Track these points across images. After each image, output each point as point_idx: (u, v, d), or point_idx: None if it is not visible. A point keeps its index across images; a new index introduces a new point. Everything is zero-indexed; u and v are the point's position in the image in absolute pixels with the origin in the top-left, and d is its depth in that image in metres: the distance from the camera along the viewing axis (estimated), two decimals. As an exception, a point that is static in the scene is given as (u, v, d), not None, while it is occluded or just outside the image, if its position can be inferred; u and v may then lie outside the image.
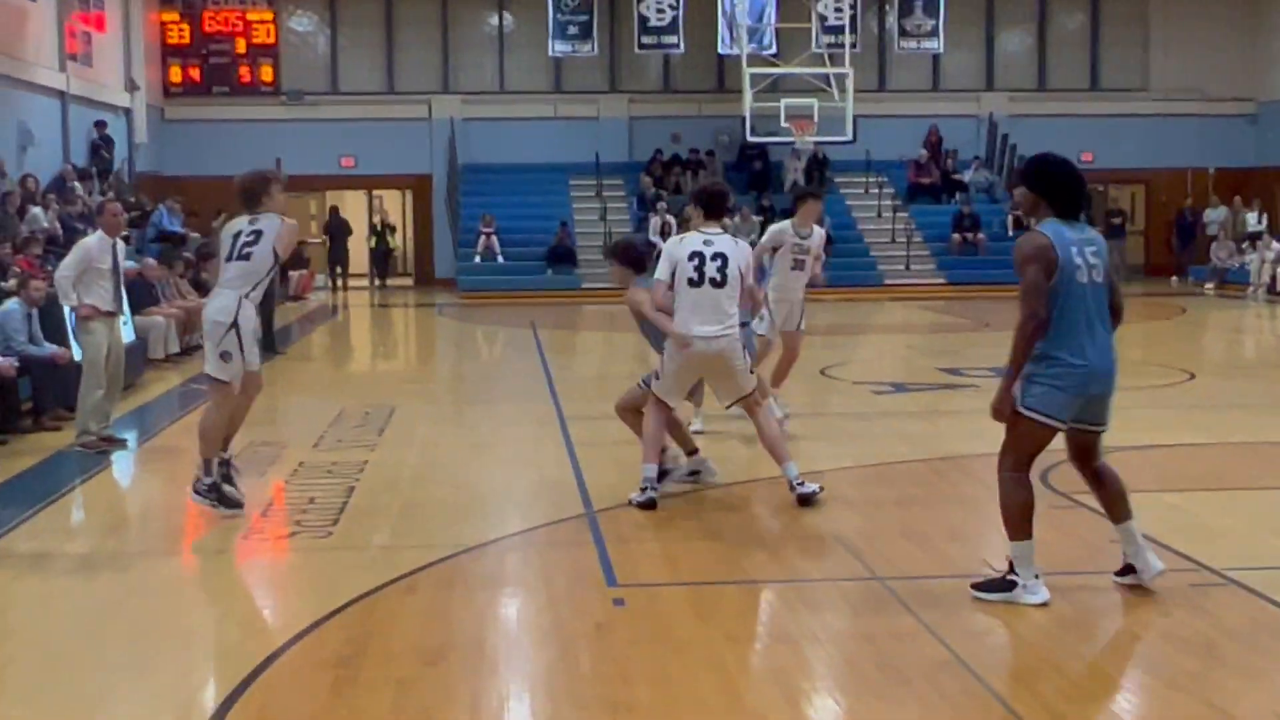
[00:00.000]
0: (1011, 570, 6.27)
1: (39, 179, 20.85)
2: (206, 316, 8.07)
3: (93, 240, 10.64)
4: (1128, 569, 6.45)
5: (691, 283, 8.08)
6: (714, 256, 8.12)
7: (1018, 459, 6.19)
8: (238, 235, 8.00)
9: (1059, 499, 8.41)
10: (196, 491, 8.01)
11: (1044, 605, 6.17)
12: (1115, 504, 6.40)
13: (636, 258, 8.73)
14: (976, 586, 6.34)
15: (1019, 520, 6.20)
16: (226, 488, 8.10)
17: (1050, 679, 5.38)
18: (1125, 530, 6.42)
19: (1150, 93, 32.77)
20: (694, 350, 8.09)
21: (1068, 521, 7.87)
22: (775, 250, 10.95)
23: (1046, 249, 6.02)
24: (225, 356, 7.85)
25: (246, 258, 7.93)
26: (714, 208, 8.45)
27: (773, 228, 11.25)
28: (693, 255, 8.14)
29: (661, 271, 8.16)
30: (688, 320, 8.06)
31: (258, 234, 7.93)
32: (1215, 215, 30.60)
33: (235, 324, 7.86)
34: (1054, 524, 7.70)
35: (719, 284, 8.14)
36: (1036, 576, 6.22)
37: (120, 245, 10.78)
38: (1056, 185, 6.20)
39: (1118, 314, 6.32)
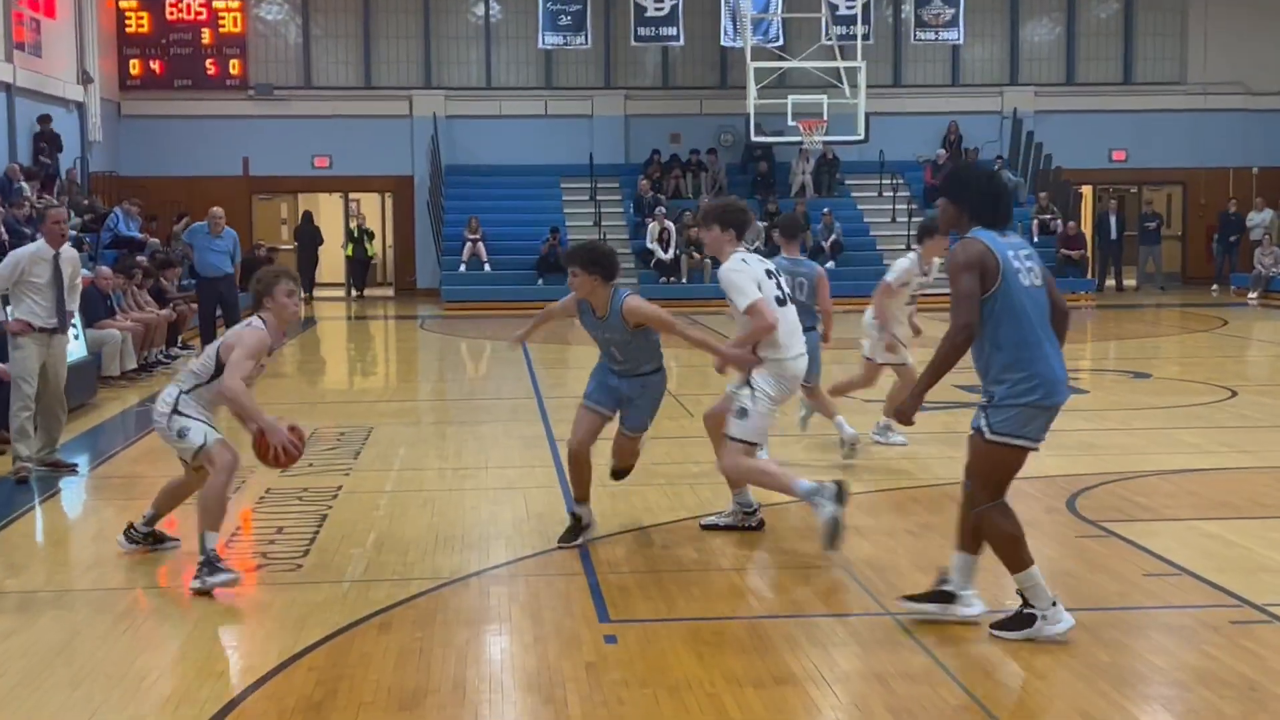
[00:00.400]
0: (1026, 604, 6.24)
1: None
2: (153, 419, 7.84)
3: (26, 251, 10.56)
4: (936, 596, 6.51)
5: (779, 301, 7.97)
6: (777, 272, 8.22)
7: (993, 489, 6.20)
8: None
9: (1088, 527, 8.41)
10: (199, 576, 7.32)
11: (1068, 631, 6.16)
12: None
13: (611, 265, 8.08)
14: (996, 626, 6.31)
15: (1014, 551, 6.21)
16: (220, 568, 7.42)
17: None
18: (970, 561, 6.45)
19: (1188, 86, 32.84)
20: (800, 368, 8.05)
21: (1098, 552, 7.85)
22: (900, 289, 10.99)
23: (985, 254, 6.09)
24: (182, 433, 7.52)
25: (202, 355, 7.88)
26: (746, 230, 8.43)
27: (903, 264, 11.07)
28: (769, 274, 8.07)
29: (751, 290, 7.80)
30: (789, 341, 7.93)
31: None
32: (1259, 218, 30.63)
33: (175, 410, 7.54)
34: (1083, 555, 7.69)
35: (794, 300, 8.42)
36: (1055, 603, 6.20)
37: (69, 255, 10.65)
38: (980, 197, 6.25)
39: (1064, 316, 6.42)
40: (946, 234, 6.48)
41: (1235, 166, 32.47)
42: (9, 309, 10.30)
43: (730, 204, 8.42)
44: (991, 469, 6.18)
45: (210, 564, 7.29)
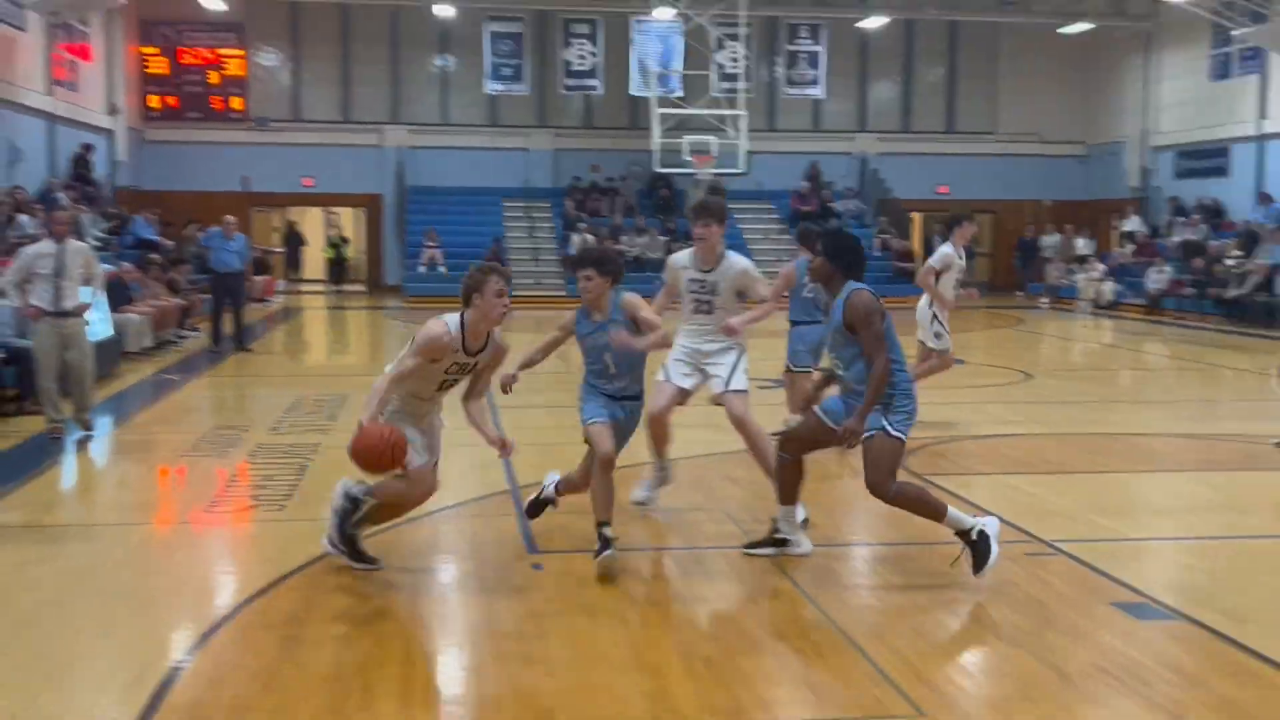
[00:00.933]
0: (965, 534, 6.07)
1: (27, 191, 20.31)
2: None
3: (33, 247, 10.22)
4: (771, 542, 6.52)
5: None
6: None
7: (893, 474, 6.08)
8: None
9: (908, 477, 8.44)
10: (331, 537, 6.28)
11: (998, 524, 6.13)
12: (798, 488, 6.42)
13: (621, 268, 6.63)
14: (975, 569, 5.98)
15: (929, 505, 6.11)
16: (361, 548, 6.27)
17: (907, 636, 5.36)
18: (794, 511, 6.48)
19: (998, 135, 33.26)
20: None
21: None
22: (943, 272, 10.58)
23: (876, 299, 6.09)
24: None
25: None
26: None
27: (943, 250, 10.61)
28: None
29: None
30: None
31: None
32: (1050, 240, 31.15)
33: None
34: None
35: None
36: (976, 515, 6.18)
37: (77, 248, 10.17)
38: (853, 258, 6.19)
39: None
40: (818, 282, 6.32)
41: (1032, 199, 32.92)
42: (19, 297, 9.97)
43: (721, 202, 7.58)
44: (893, 460, 6.05)
45: (349, 539, 6.15)
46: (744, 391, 7.26)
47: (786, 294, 9.74)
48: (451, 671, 5.09)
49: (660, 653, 5.18)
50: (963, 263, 10.76)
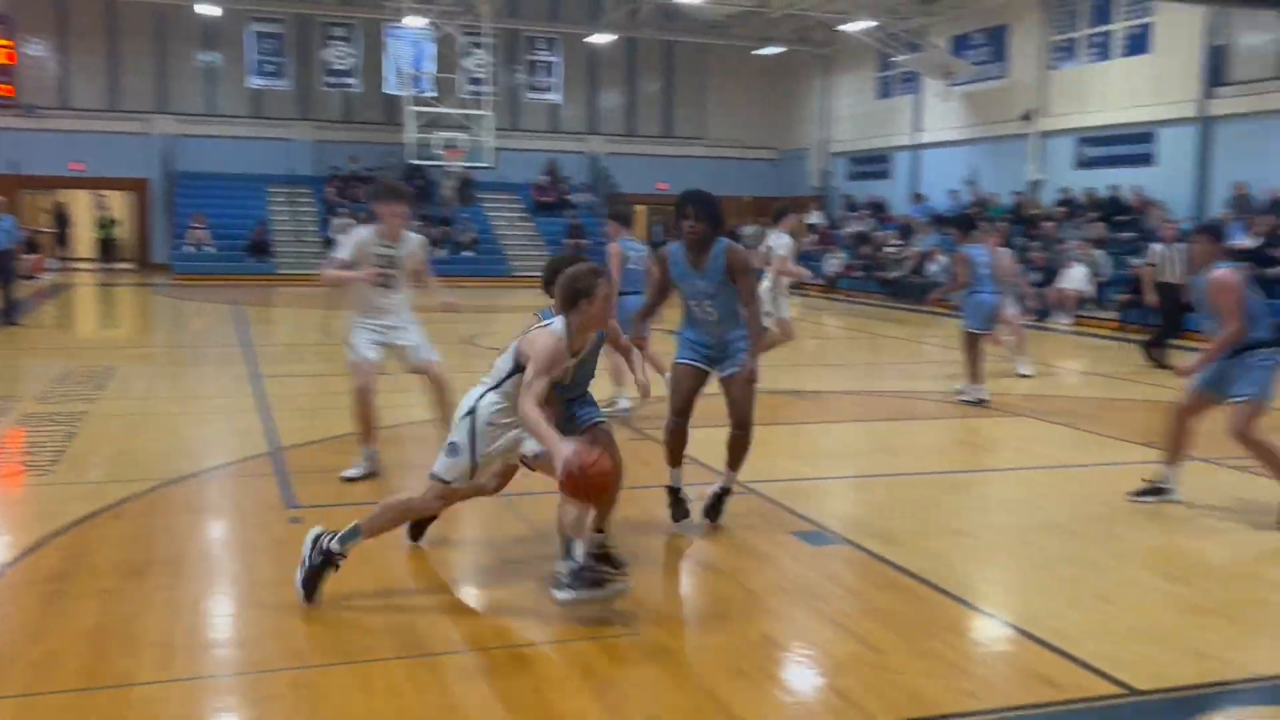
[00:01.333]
0: (725, 493, 6.26)
1: None
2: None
3: None
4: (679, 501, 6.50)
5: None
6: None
7: None
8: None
9: (633, 434, 8.63)
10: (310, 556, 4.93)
11: None
12: (684, 450, 6.38)
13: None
14: (708, 514, 6.21)
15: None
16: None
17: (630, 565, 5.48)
18: (680, 473, 6.48)
19: (707, 140, 34.18)
20: None
21: (639, 450, 8.07)
22: (788, 257, 10.78)
23: None
24: (452, 449, 4.90)
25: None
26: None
27: (783, 239, 10.73)
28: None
29: None
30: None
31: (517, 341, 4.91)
32: (749, 230, 32.18)
33: (473, 411, 4.90)
34: (631, 453, 7.86)
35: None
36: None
37: None
38: (722, 218, 6.12)
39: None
40: (700, 250, 6.14)
41: (734, 195, 34.02)
42: None
43: (403, 184, 7.18)
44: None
45: (320, 559, 4.85)
46: (438, 360, 7.16)
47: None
48: (212, 619, 4.86)
49: (406, 592, 5.11)
50: (794, 245, 11.16)
